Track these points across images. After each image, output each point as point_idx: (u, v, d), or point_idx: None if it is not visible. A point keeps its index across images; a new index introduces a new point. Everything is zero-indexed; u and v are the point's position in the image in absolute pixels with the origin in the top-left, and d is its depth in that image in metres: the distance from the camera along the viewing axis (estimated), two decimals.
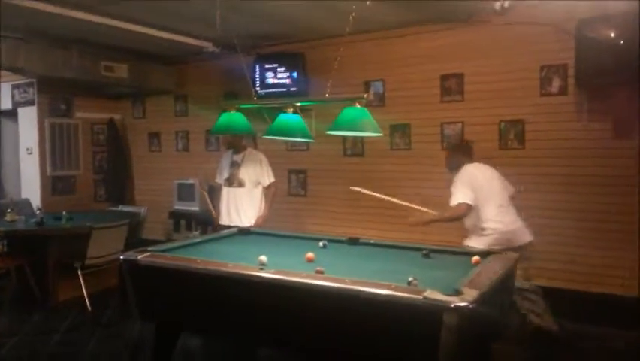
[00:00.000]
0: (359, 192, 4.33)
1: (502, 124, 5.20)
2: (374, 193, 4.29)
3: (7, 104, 7.26)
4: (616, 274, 4.74)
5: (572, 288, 4.83)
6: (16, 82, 7.07)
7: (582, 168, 4.84)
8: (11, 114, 7.34)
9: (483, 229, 3.93)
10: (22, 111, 7.18)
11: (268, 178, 4.95)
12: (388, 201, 4.25)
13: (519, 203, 4.22)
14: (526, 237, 3.94)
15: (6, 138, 7.68)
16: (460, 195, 3.86)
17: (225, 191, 4.93)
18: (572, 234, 4.87)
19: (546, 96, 5.00)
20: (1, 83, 7.23)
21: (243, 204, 4.84)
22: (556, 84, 4.97)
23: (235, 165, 4.92)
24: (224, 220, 4.89)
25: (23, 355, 3.91)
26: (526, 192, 5.03)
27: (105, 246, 5.02)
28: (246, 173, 4.88)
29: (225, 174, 4.95)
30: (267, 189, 4.96)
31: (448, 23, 5.32)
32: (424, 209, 4.14)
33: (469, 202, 3.84)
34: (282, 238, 4.18)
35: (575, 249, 4.86)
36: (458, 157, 4.16)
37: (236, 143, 5.01)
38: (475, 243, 3.87)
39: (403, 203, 4.18)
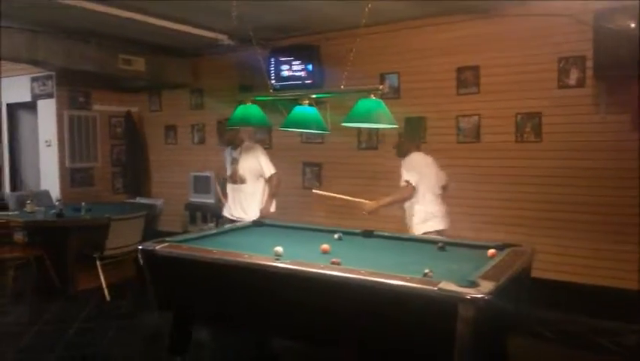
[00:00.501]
0: (320, 194, 4.89)
1: (519, 117, 5.16)
2: (331, 194, 4.78)
3: (26, 97, 7.38)
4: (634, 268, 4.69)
5: (592, 283, 4.79)
6: (36, 74, 7.18)
7: (599, 161, 4.78)
8: (31, 107, 7.46)
9: (420, 212, 4.26)
10: (41, 104, 7.29)
11: (267, 170, 4.79)
12: (341, 199, 4.60)
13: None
14: (442, 225, 4.29)
15: (25, 131, 7.81)
16: (408, 177, 4.25)
17: (230, 188, 4.90)
18: (588, 228, 4.82)
19: (563, 88, 4.94)
20: (21, 76, 7.35)
21: (247, 200, 4.78)
22: (573, 76, 4.91)
23: (235, 162, 4.83)
24: (231, 215, 4.83)
25: (43, 343, 3.99)
26: (543, 185, 5.01)
27: (123, 237, 5.09)
28: (245, 168, 4.77)
29: (228, 171, 4.93)
30: (269, 181, 4.81)
31: (464, 15, 5.27)
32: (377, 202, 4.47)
33: (414, 185, 4.21)
34: (297, 230, 4.21)
35: (593, 243, 4.81)
36: (408, 145, 4.44)
37: (234, 138, 4.86)
38: (416, 225, 4.29)
39: (358, 200, 4.50)
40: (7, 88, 7.71)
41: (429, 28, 5.56)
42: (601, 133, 4.77)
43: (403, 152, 4.44)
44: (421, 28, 5.60)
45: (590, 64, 4.74)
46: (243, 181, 4.75)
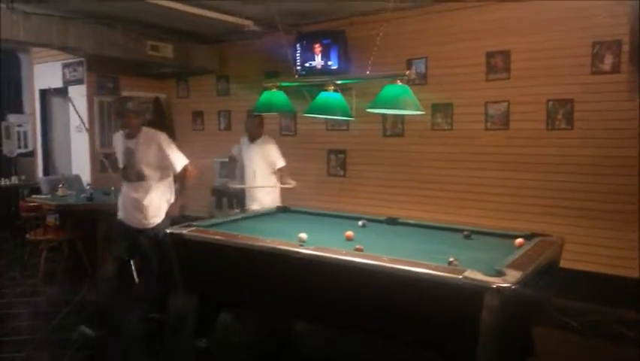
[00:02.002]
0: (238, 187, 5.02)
1: (550, 103, 5.02)
2: (241, 186, 4.96)
3: (58, 83, 7.53)
4: None
5: (624, 275, 4.68)
6: (67, 61, 7.31)
7: (634, 149, 4.63)
8: (62, 92, 7.61)
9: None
10: (72, 89, 7.43)
11: (176, 162, 3.90)
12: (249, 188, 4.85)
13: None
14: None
15: (57, 116, 7.99)
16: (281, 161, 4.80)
17: (124, 188, 3.99)
18: (624, 218, 4.69)
19: (597, 74, 4.79)
20: (52, 62, 7.50)
21: (143, 203, 3.87)
22: (608, 61, 4.74)
23: (129, 153, 3.87)
24: (127, 220, 3.98)
25: (74, 323, 4.11)
26: (575, 174, 4.89)
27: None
28: (143, 162, 3.84)
29: (120, 164, 3.97)
30: (179, 176, 3.96)
31: None
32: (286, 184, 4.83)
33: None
34: (321, 217, 4.22)
35: (629, 234, 4.68)
36: (261, 128, 4.89)
37: (129, 121, 3.83)
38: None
39: (262, 186, 4.77)
40: (40, 74, 7.88)
41: (458, 12, 5.44)
42: (635, 121, 4.61)
43: (258, 133, 4.86)
44: (449, 12, 5.48)
45: (626, 48, 4.58)
46: (140, 178, 3.86)
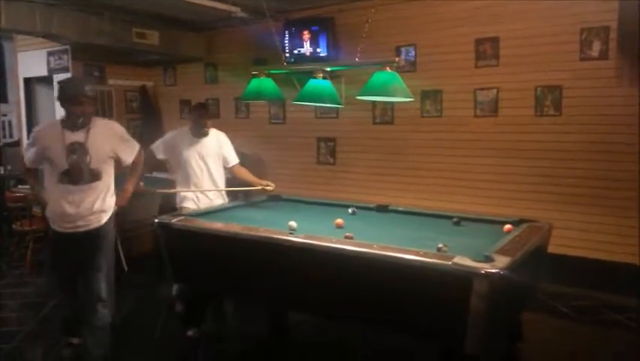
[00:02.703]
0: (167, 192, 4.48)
1: (539, 90, 5.03)
2: (175, 190, 4.30)
3: (42, 71, 7.41)
4: None
5: (614, 259, 4.73)
6: (51, 49, 7.18)
7: (621, 135, 4.66)
8: (47, 81, 7.49)
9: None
10: (57, 78, 7.31)
11: (133, 150, 3.37)
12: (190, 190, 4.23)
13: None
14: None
15: (42, 105, 7.86)
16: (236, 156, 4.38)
17: (61, 191, 3.07)
18: (611, 204, 4.74)
19: (586, 60, 4.80)
20: (37, 50, 7.37)
21: (100, 206, 3.16)
22: (596, 48, 4.76)
23: (78, 148, 3.04)
24: (62, 228, 3.16)
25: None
26: (563, 160, 4.92)
27: (140, 210, 5.15)
28: (100, 158, 3.12)
29: (59, 165, 3.03)
30: (134, 165, 3.44)
31: None
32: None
33: None
34: (311, 205, 4.21)
35: (617, 220, 4.73)
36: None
37: (85, 109, 3.06)
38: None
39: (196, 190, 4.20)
40: (24, 62, 7.74)
41: None
42: (623, 107, 4.64)
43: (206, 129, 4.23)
44: None
45: (613, 35, 4.59)
46: (96, 177, 3.10)
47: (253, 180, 4.31)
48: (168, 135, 4.41)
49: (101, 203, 3.16)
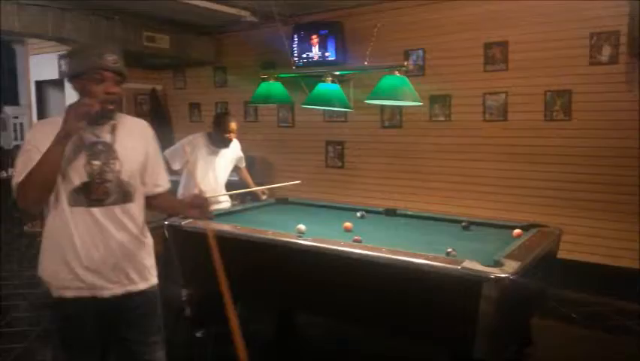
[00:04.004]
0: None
1: (548, 94, 5.02)
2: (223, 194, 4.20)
3: (54, 74, 7.48)
4: None
5: (622, 265, 4.70)
6: (63, 52, 7.25)
7: (631, 140, 4.64)
8: (58, 84, 7.57)
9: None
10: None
11: (163, 176, 2.27)
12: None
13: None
14: None
15: (54, 108, 7.95)
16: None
17: (78, 223, 1.93)
18: (621, 209, 4.70)
19: (595, 65, 4.78)
20: (49, 54, 7.45)
21: (141, 241, 2.12)
22: (606, 52, 4.74)
23: (104, 151, 1.96)
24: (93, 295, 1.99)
25: None
26: (572, 165, 4.90)
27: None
28: (133, 167, 2.02)
29: (73, 175, 1.92)
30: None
31: None
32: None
33: None
34: (319, 208, 4.22)
35: (627, 225, 4.69)
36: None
37: (116, 90, 1.98)
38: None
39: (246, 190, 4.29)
40: (36, 66, 7.83)
41: (455, 3, 5.41)
42: (633, 112, 4.61)
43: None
44: (447, 2, 5.46)
45: (624, 40, 4.57)
46: (128, 198, 2.01)
47: (252, 185, 4.41)
48: (185, 146, 4.02)
49: (143, 236, 2.11)
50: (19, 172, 1.85)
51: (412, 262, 2.47)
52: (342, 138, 6.41)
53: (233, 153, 4.24)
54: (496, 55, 5.26)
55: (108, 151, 1.96)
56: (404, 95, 3.26)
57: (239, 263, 3.16)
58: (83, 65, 1.91)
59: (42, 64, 7.68)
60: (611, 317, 4.08)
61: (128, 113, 7.84)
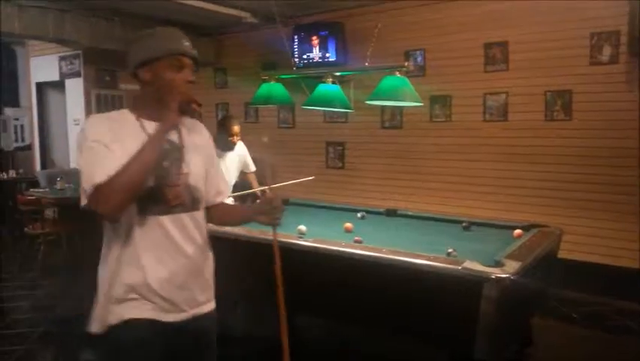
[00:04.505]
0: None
1: (549, 94, 5.02)
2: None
3: (54, 76, 7.49)
4: None
5: (623, 265, 4.69)
6: (63, 53, 7.27)
7: (632, 140, 4.63)
8: (59, 85, 7.58)
9: None
10: (69, 83, 7.39)
11: (225, 186, 2.02)
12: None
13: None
14: None
15: (54, 109, 7.96)
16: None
17: (153, 231, 1.65)
18: (621, 210, 4.70)
19: (596, 65, 4.78)
20: (49, 55, 7.46)
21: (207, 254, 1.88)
22: (606, 52, 4.73)
23: (170, 153, 1.68)
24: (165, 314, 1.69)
25: (73, 316, 4.11)
26: (573, 165, 4.90)
27: None
28: (200, 171, 1.79)
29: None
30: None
31: None
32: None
33: None
34: (320, 209, 4.22)
35: (628, 225, 4.69)
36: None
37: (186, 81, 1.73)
38: None
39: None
40: (36, 67, 7.84)
41: (455, 3, 5.42)
42: (634, 112, 4.61)
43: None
44: (447, 2, 5.46)
45: (624, 39, 4.57)
46: (196, 205, 1.75)
47: (256, 186, 4.47)
48: None
49: (208, 253, 1.88)
50: (91, 172, 1.52)
51: (413, 263, 2.47)
52: (343, 139, 6.41)
53: (238, 156, 4.29)
54: (496, 55, 5.26)
55: (176, 152, 1.71)
56: (404, 95, 3.26)
57: (238, 264, 3.17)
58: (160, 49, 1.65)
59: (42, 65, 7.69)
60: (611, 317, 4.08)
61: None
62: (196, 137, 1.81)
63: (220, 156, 4.09)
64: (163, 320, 1.64)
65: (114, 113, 1.72)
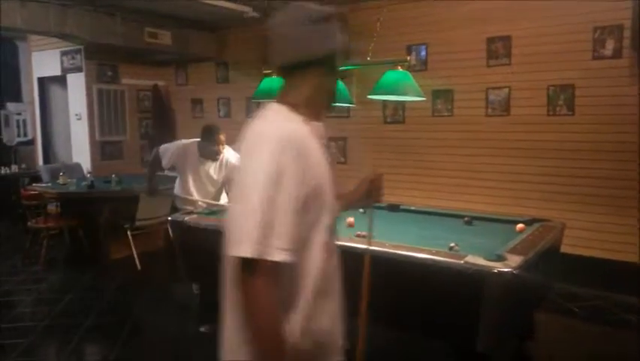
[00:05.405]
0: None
1: (551, 89, 5.00)
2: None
3: (56, 71, 7.49)
4: None
5: (623, 259, 4.69)
6: (65, 48, 7.26)
7: (635, 135, 4.62)
8: (61, 80, 7.58)
9: None
10: (70, 78, 7.39)
11: None
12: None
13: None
14: None
15: (56, 104, 7.96)
16: None
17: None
18: (623, 204, 4.70)
19: (599, 59, 4.76)
20: (51, 50, 7.45)
21: None
22: (609, 46, 4.72)
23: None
24: None
25: (77, 310, 4.14)
26: (576, 159, 4.89)
27: (153, 208, 5.19)
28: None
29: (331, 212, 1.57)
30: None
31: None
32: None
33: None
34: None
35: (630, 220, 4.69)
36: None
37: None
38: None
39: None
40: (38, 62, 7.84)
41: None
42: (636, 106, 4.60)
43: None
44: None
45: (627, 33, 4.55)
46: None
47: None
48: (177, 148, 4.27)
49: None
50: (268, 234, 1.22)
51: (416, 257, 2.48)
52: (345, 134, 6.40)
53: (226, 164, 4.22)
54: (498, 49, 5.25)
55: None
56: (407, 90, 3.25)
57: None
58: (335, 43, 1.27)
59: (44, 60, 7.68)
60: (612, 311, 4.09)
61: (131, 110, 7.92)
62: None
63: (202, 163, 4.17)
64: None
65: (294, 127, 1.27)
